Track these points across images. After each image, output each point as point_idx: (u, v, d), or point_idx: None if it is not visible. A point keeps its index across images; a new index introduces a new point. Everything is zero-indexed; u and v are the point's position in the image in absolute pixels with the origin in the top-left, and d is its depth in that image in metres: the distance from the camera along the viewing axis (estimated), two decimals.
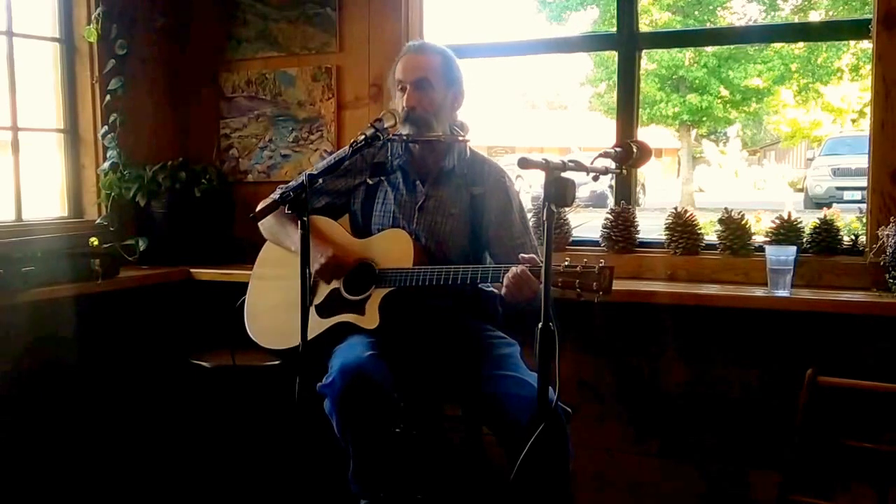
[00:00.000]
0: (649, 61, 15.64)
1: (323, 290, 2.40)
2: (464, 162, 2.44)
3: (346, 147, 2.46)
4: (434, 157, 2.43)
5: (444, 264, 2.31)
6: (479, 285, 2.38)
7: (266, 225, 2.50)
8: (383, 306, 2.29)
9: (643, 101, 14.35)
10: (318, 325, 2.34)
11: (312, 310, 2.34)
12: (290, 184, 2.49)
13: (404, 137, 2.29)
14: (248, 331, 2.51)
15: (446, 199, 2.41)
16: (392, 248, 2.33)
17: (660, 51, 14.72)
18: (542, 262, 2.05)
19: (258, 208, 2.29)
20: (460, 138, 2.42)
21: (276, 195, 2.48)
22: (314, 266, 2.31)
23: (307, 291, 1.94)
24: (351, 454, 2.26)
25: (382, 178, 2.46)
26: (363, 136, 2.14)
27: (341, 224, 2.51)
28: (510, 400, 2.15)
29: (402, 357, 2.28)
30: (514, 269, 2.10)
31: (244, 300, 2.54)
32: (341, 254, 2.35)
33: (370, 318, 2.28)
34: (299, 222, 2.34)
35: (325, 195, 2.49)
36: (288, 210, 1.95)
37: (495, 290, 2.31)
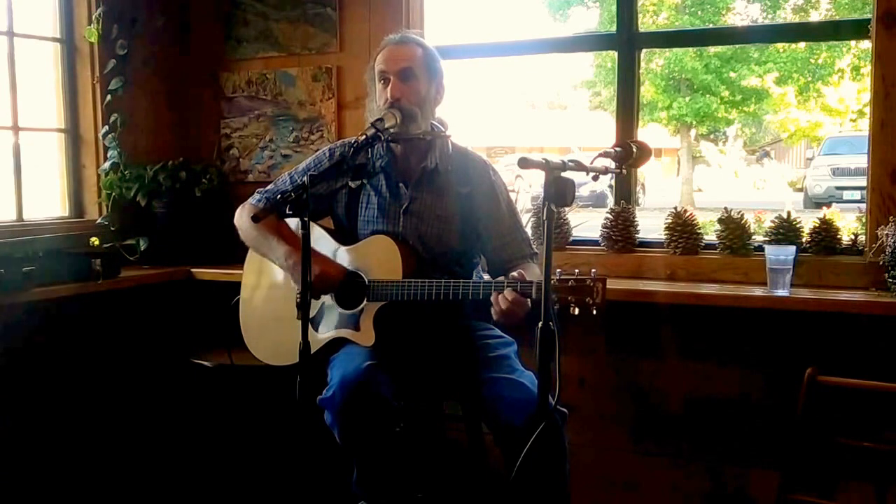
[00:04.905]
0: (651, 59, 15.67)
1: (315, 303, 2.35)
2: (447, 159, 2.36)
3: (325, 149, 2.47)
4: (417, 157, 2.35)
5: (433, 267, 2.30)
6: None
7: (246, 231, 2.43)
8: (377, 320, 2.25)
9: (644, 101, 14.42)
10: (314, 340, 2.28)
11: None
12: (272, 186, 2.49)
13: (385, 137, 2.17)
14: (247, 345, 2.51)
15: (432, 201, 2.35)
16: (379, 256, 2.28)
17: (668, 50, 14.74)
18: (531, 277, 2.07)
19: (253, 213, 2.29)
20: (442, 134, 2.35)
21: (257, 198, 2.48)
22: (297, 285, 2.27)
23: (308, 291, 1.94)
24: (354, 463, 2.26)
25: (364, 180, 2.38)
26: (364, 137, 2.12)
27: (324, 224, 2.47)
28: (504, 403, 2.14)
29: (400, 362, 2.27)
30: (501, 301, 2.04)
31: (239, 298, 2.54)
32: (327, 269, 2.27)
33: (366, 335, 2.25)
34: (281, 230, 2.36)
35: None
36: (289, 210, 1.94)
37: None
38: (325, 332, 2.34)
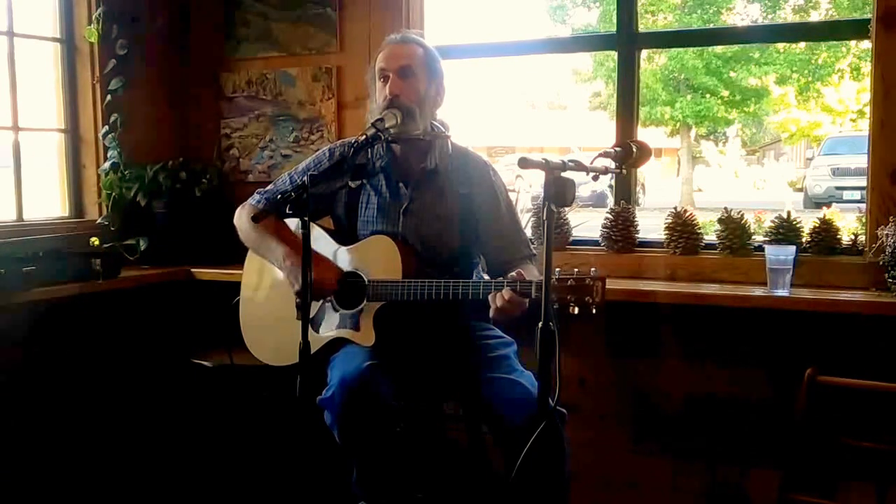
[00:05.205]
0: (653, 59, 15.67)
1: (315, 303, 2.34)
2: (447, 159, 2.36)
3: (325, 149, 2.46)
4: (417, 157, 2.34)
5: (432, 267, 2.29)
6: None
7: (245, 232, 2.43)
8: (377, 320, 2.25)
9: (644, 101, 14.42)
10: (314, 340, 2.26)
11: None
12: (271, 187, 2.48)
13: (385, 137, 2.17)
14: (247, 345, 2.51)
15: (432, 201, 2.34)
16: (379, 257, 2.28)
17: (670, 50, 14.76)
18: (530, 277, 2.06)
19: (253, 213, 2.29)
20: (442, 134, 2.35)
21: (257, 198, 2.47)
22: (294, 287, 2.26)
23: (308, 291, 1.94)
24: (354, 463, 2.26)
25: (364, 180, 2.38)
26: (364, 137, 2.11)
27: (324, 224, 2.47)
28: (504, 403, 2.15)
29: (400, 361, 2.27)
30: (498, 299, 2.04)
31: (239, 299, 2.54)
32: (323, 274, 2.24)
33: (366, 335, 2.25)
34: (280, 231, 2.36)
35: None
36: (289, 210, 1.94)
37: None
38: (325, 332, 2.34)
